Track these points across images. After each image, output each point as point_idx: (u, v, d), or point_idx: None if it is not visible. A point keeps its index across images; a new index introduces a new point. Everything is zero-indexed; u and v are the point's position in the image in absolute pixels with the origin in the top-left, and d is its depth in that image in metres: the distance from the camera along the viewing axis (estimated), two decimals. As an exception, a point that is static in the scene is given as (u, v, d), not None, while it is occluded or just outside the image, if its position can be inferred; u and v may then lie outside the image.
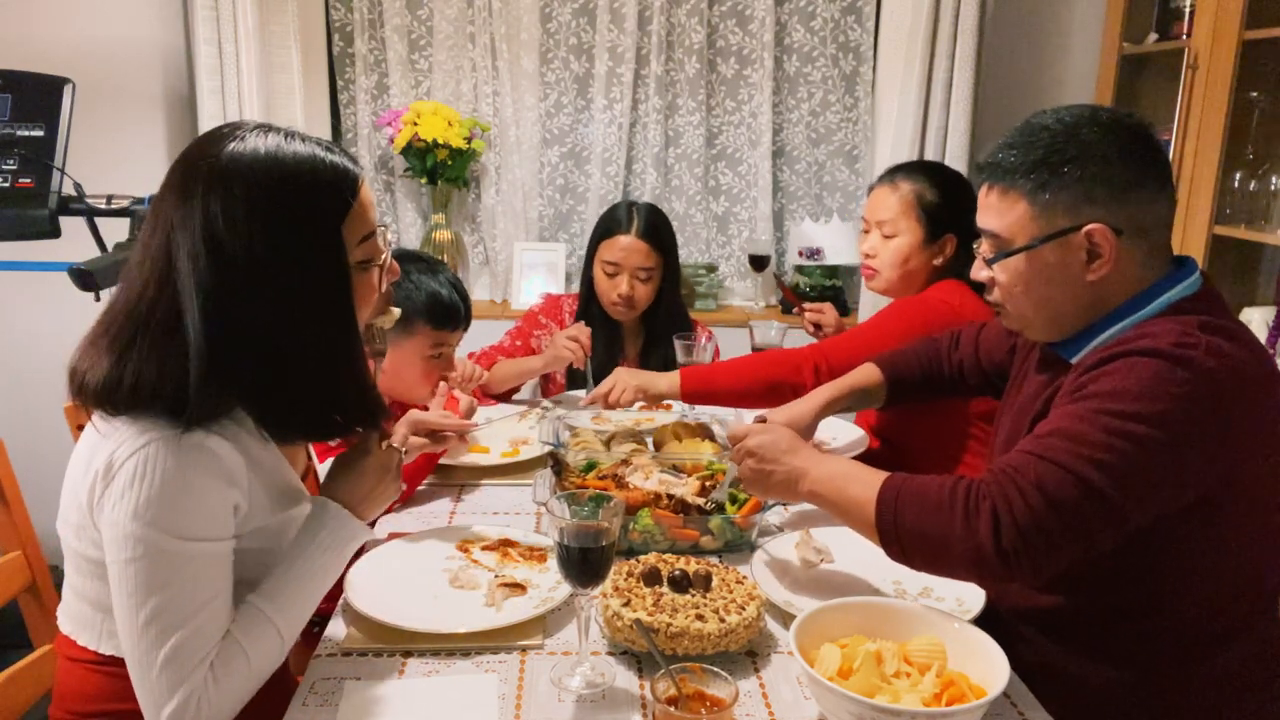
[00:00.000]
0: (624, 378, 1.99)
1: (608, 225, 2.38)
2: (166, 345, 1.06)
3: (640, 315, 2.46)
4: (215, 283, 1.05)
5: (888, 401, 1.81)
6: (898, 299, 2.10)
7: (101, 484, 1.06)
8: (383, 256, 1.18)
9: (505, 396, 2.41)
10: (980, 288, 1.98)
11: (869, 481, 1.25)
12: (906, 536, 1.20)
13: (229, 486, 1.09)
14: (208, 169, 1.07)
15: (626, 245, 2.33)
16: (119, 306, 1.10)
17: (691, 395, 1.98)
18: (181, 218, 1.06)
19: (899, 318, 2.00)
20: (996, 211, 1.30)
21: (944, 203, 2.05)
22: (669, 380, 1.99)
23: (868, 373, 1.80)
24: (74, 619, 1.20)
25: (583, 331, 2.23)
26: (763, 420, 1.64)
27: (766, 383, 1.93)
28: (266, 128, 1.12)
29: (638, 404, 2.01)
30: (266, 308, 1.07)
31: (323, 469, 1.32)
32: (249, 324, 1.07)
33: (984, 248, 1.35)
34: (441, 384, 1.87)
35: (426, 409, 2.08)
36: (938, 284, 2.05)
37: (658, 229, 2.37)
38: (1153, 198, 1.25)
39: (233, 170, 1.06)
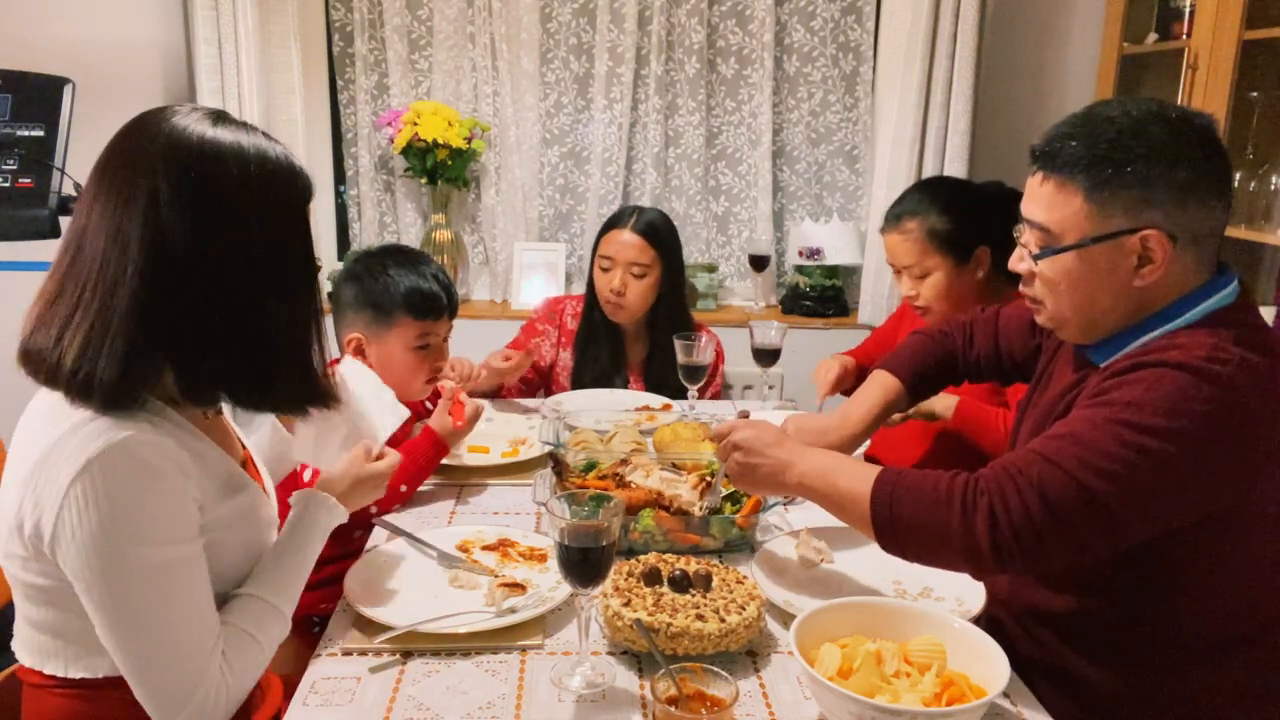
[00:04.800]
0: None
1: (608, 223, 2.43)
2: (107, 316, 1.05)
3: (643, 321, 2.46)
4: (188, 253, 1.05)
5: (907, 406, 1.70)
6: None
7: (51, 517, 1.02)
8: None
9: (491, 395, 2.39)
10: None
11: (860, 475, 1.25)
12: (902, 529, 1.20)
13: (185, 480, 1.08)
14: (170, 143, 1.06)
15: (621, 240, 2.36)
16: (64, 275, 1.12)
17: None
18: (132, 186, 1.05)
19: None
20: (1049, 204, 1.21)
21: (957, 225, 1.97)
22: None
23: (886, 385, 1.66)
24: (35, 650, 1.15)
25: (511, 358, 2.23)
26: (745, 415, 1.62)
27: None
28: (223, 116, 1.11)
29: (637, 406, 1.99)
30: (238, 278, 1.08)
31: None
32: (204, 293, 1.06)
33: (1028, 238, 1.26)
34: (447, 385, 1.87)
35: (425, 405, 2.09)
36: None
37: (655, 228, 2.38)
38: (1212, 205, 1.18)
39: (187, 151, 1.06)
